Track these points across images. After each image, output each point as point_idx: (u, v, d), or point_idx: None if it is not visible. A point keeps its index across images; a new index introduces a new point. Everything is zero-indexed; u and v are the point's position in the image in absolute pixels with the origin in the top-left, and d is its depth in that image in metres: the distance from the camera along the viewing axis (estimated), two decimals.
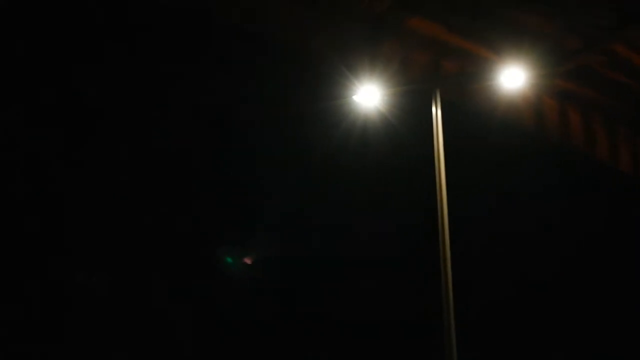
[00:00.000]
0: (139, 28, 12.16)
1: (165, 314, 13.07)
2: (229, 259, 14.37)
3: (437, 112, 8.08)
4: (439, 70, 8.93)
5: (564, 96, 9.78)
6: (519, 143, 11.52)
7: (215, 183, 14.45)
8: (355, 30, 8.26)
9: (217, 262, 14.29)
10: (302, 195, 14.16)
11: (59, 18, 11.95)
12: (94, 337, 12.35)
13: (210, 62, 12.79)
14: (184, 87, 13.28)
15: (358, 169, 13.32)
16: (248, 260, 14.24)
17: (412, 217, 13.00)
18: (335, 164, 13.27)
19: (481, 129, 10.86)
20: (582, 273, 13.68)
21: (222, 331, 13.34)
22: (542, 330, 13.57)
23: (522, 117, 9.60)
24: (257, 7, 7.72)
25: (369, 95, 8.54)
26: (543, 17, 8.11)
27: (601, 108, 10.07)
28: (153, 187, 13.77)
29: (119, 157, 13.40)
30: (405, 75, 8.60)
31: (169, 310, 13.11)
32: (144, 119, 13.44)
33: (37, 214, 12.83)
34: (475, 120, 9.94)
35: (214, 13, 8.56)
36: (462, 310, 7.23)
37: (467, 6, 8.11)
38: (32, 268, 12.49)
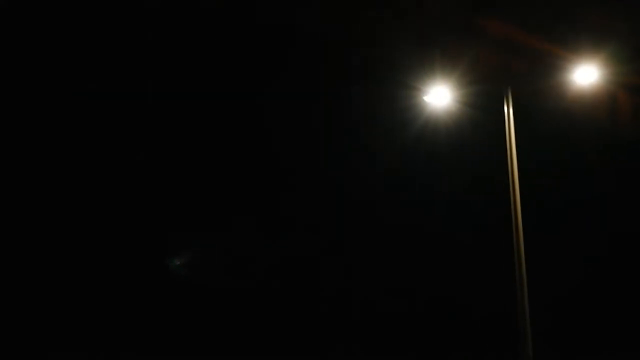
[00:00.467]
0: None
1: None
2: (173, 261, 14.92)
3: (508, 110, 8.15)
4: (511, 69, 8.98)
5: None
6: (593, 140, 11.36)
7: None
8: (427, 31, 8.43)
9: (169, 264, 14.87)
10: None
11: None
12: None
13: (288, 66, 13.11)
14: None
15: (429, 165, 13.38)
16: (177, 261, 14.70)
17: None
18: (405, 163, 13.37)
19: (554, 127, 10.79)
20: None
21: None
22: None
23: (596, 114, 9.53)
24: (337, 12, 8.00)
25: (439, 96, 8.70)
26: (616, 13, 8.06)
27: None
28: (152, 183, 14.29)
29: None
30: (476, 74, 8.71)
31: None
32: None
33: None
34: (547, 117, 9.90)
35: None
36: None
37: (538, 4, 8.15)
38: None
